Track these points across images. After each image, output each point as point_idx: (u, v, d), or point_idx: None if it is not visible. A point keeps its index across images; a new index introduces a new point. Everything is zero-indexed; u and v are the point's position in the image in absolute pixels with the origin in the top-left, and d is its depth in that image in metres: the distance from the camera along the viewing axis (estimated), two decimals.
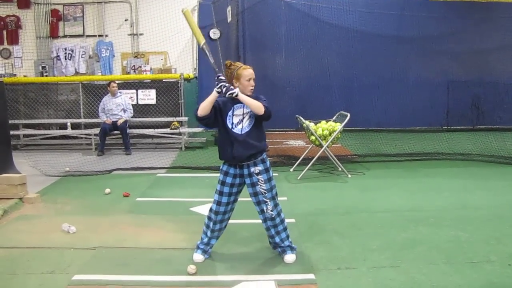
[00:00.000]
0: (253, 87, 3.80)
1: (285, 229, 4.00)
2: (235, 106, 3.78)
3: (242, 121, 3.78)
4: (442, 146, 9.09)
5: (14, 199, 5.67)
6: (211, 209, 3.97)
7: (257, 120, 3.82)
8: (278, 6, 11.56)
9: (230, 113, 3.79)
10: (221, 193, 3.89)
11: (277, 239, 3.99)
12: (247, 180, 3.87)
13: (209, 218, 3.98)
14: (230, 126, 3.78)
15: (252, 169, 3.82)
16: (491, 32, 11.54)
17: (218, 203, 3.91)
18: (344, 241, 4.47)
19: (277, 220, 3.94)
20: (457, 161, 8.30)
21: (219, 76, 3.68)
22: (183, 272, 3.76)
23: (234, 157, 3.79)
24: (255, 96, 3.81)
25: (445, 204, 5.71)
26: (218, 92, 3.64)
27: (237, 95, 3.64)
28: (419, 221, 4.99)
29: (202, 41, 3.91)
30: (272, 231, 3.97)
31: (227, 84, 3.64)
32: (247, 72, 3.77)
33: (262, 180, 3.83)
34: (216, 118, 3.79)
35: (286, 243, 4.00)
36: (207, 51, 3.86)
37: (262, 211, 3.92)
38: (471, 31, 11.67)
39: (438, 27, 11.60)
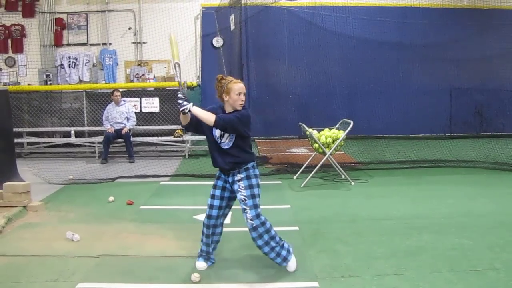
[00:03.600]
0: (243, 102, 3.77)
1: (272, 238, 3.85)
2: None
3: (223, 134, 3.80)
4: (445, 153, 9.08)
5: (18, 207, 5.68)
6: (205, 214, 4.00)
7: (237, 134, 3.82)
8: (281, 14, 11.64)
9: None
10: (212, 196, 3.95)
11: (265, 249, 3.86)
12: (234, 187, 3.89)
13: (203, 223, 4.01)
14: (216, 138, 3.84)
15: (236, 177, 3.85)
16: (493, 39, 11.57)
17: (210, 206, 3.95)
18: (347, 248, 4.46)
19: (261, 229, 3.80)
20: (461, 168, 8.29)
21: (178, 93, 3.70)
22: (187, 280, 3.77)
23: (218, 166, 3.89)
24: (239, 110, 3.78)
25: (449, 212, 5.69)
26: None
27: (189, 110, 3.66)
28: (423, 229, 4.98)
29: (176, 59, 3.98)
30: (258, 242, 3.83)
31: (181, 101, 3.66)
32: (237, 86, 3.75)
33: (242, 187, 3.82)
34: (197, 128, 3.89)
35: (278, 260, 3.88)
36: (177, 70, 3.90)
37: (245, 220, 3.86)
38: (473, 38, 11.71)
39: (440, 35, 11.64)
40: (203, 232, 4.02)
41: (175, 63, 3.95)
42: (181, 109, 3.67)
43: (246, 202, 3.80)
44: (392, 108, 11.44)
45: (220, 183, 3.95)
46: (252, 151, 3.94)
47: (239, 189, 3.83)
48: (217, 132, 3.81)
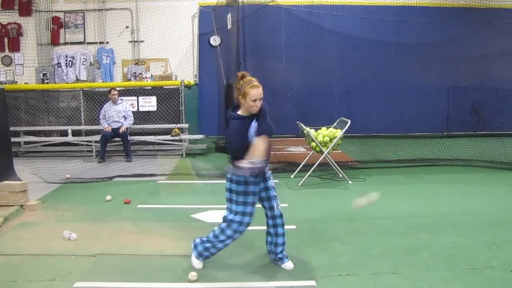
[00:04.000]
0: (258, 108, 3.68)
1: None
2: (252, 124, 3.73)
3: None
4: (442, 152, 9.09)
5: (15, 206, 5.67)
6: (244, 222, 3.84)
7: None
8: (278, 13, 11.62)
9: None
10: (253, 204, 3.88)
11: (281, 240, 3.98)
12: (269, 183, 3.97)
13: (240, 232, 3.86)
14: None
15: (268, 173, 3.97)
16: (491, 38, 11.59)
17: (248, 214, 3.85)
18: (345, 247, 4.47)
19: (283, 220, 3.99)
20: (458, 167, 8.30)
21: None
22: (184, 279, 3.76)
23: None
24: (262, 112, 3.74)
25: (446, 210, 5.70)
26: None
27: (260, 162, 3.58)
28: (420, 227, 4.99)
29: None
30: (280, 230, 3.99)
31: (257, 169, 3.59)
32: (254, 92, 3.62)
33: (271, 178, 3.96)
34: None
35: (285, 250, 3.99)
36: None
37: (275, 209, 3.98)
38: (471, 37, 11.71)
39: (438, 33, 11.65)
40: (224, 241, 3.88)
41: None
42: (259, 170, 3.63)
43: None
44: (390, 107, 11.45)
45: (257, 188, 3.83)
46: None
47: (270, 177, 3.95)
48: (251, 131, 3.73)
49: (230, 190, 3.80)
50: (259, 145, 3.58)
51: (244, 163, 3.55)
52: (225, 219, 3.84)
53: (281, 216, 3.98)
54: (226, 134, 3.72)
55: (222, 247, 3.92)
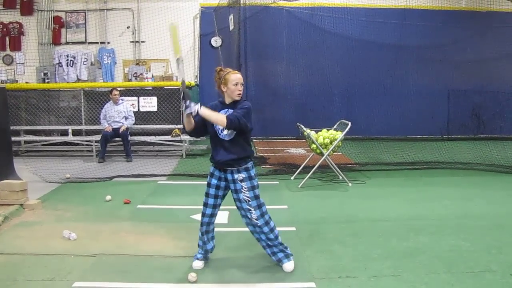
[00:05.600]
0: (240, 92, 3.79)
1: (276, 237, 3.95)
2: (221, 111, 3.79)
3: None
4: (442, 155, 9.09)
5: (14, 206, 5.67)
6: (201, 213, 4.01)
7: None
8: (279, 14, 11.64)
9: None
10: (206, 194, 3.95)
11: (268, 251, 3.99)
12: (231, 186, 3.88)
13: (200, 222, 4.02)
14: (218, 131, 3.82)
15: (236, 176, 3.83)
16: (492, 41, 11.61)
17: (205, 204, 3.96)
18: (345, 249, 4.46)
19: (265, 229, 3.89)
20: (458, 170, 8.31)
21: (182, 93, 3.73)
22: (183, 280, 3.76)
23: (216, 160, 3.85)
24: (239, 103, 3.79)
25: (446, 213, 5.70)
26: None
27: (197, 113, 3.63)
28: (420, 230, 4.99)
29: (178, 54, 3.86)
30: (263, 242, 3.97)
31: (187, 103, 3.63)
32: (234, 76, 3.77)
33: (245, 188, 3.83)
34: (203, 131, 3.89)
35: (280, 255, 3.97)
36: (180, 66, 3.84)
37: (248, 220, 3.91)
38: (471, 40, 11.73)
39: (438, 36, 11.66)
40: (200, 230, 4.03)
41: (177, 58, 3.86)
42: (186, 112, 3.64)
43: (250, 203, 3.84)
44: (390, 110, 11.45)
45: (214, 181, 3.91)
46: (250, 146, 3.95)
47: (242, 190, 3.82)
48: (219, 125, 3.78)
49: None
50: (214, 114, 3.67)
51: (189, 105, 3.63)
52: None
53: (258, 227, 3.90)
54: None
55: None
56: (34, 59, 12.33)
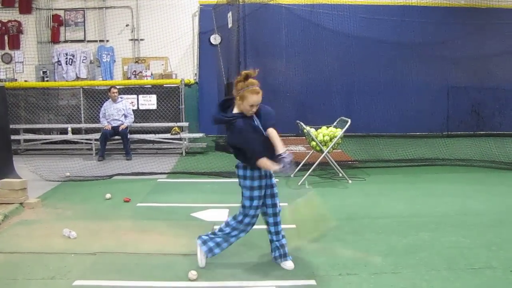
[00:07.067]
0: (253, 113, 3.70)
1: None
2: (254, 124, 3.75)
3: None
4: (442, 151, 9.09)
5: (14, 204, 5.67)
6: (249, 215, 3.93)
7: None
8: (279, 12, 11.60)
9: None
10: (259, 198, 3.93)
11: (282, 234, 4.06)
12: (272, 181, 4.05)
13: (251, 224, 3.94)
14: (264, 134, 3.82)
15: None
16: (491, 38, 11.59)
17: (257, 207, 3.94)
18: (345, 247, 4.47)
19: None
20: (458, 167, 8.30)
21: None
22: (183, 278, 3.76)
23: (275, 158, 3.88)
24: (260, 108, 3.77)
25: (446, 210, 5.70)
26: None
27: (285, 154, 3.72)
28: (420, 227, 4.99)
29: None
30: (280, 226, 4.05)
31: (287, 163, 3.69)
32: (254, 98, 3.61)
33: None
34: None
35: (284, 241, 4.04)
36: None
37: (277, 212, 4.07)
38: (471, 37, 11.71)
39: (438, 33, 11.64)
40: (234, 235, 3.93)
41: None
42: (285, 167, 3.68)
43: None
44: (390, 107, 11.43)
45: (264, 182, 3.90)
46: None
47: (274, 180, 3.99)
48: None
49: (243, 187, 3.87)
50: (277, 135, 3.68)
51: (285, 157, 3.65)
52: (238, 213, 3.89)
53: (279, 214, 4.03)
54: (235, 137, 3.65)
55: (234, 241, 3.97)
56: (33, 57, 12.29)
